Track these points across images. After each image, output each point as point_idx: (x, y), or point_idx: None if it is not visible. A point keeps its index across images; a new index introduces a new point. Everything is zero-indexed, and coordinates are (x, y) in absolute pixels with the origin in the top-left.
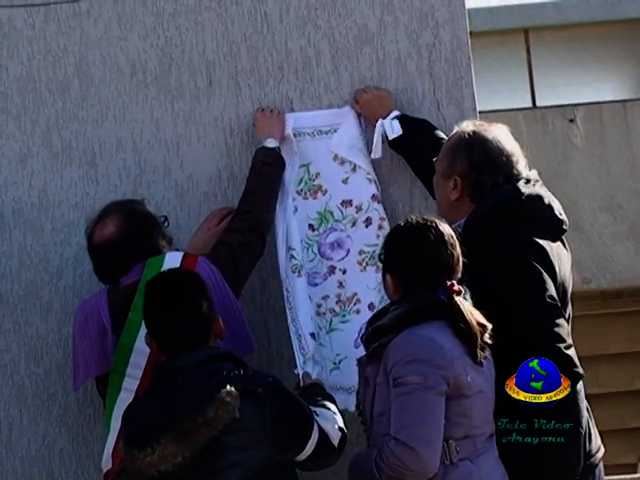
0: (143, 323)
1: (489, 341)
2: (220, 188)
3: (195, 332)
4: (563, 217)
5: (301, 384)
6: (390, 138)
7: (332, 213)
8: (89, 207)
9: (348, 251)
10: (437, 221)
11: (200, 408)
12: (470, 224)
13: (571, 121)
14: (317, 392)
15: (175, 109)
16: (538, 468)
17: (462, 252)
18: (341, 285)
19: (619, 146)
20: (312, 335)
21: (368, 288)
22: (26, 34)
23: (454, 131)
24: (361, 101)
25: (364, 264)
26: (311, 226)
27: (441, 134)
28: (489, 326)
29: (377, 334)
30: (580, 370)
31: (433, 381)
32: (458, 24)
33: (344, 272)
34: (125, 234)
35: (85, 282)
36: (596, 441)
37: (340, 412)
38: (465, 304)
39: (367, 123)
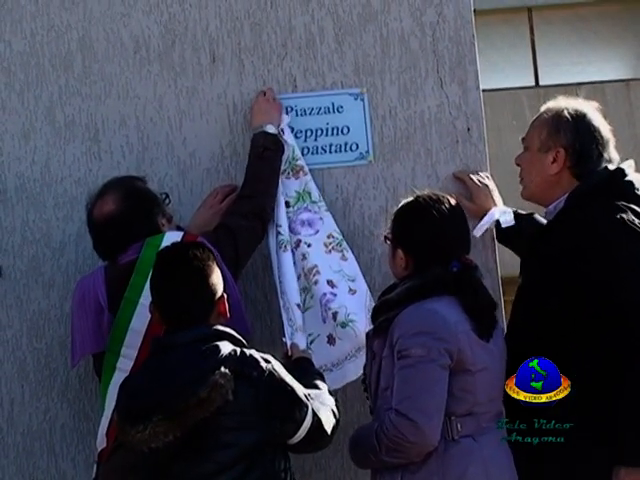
0: (139, 303)
1: (497, 320)
2: (223, 165)
3: (199, 307)
4: None
5: (289, 354)
6: (504, 226)
7: (310, 194)
8: (92, 183)
9: (317, 231)
10: (447, 196)
11: (193, 389)
12: (575, 198)
13: None
14: (309, 370)
15: (178, 86)
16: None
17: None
18: (304, 257)
19: (622, 125)
20: (298, 305)
21: (330, 268)
22: (29, 9)
23: (542, 110)
24: (474, 190)
25: (330, 247)
26: (287, 203)
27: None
28: (498, 304)
29: (384, 308)
30: None
31: (436, 354)
32: (462, 2)
33: (309, 245)
34: (124, 212)
35: (87, 258)
36: None
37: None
38: (477, 278)
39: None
